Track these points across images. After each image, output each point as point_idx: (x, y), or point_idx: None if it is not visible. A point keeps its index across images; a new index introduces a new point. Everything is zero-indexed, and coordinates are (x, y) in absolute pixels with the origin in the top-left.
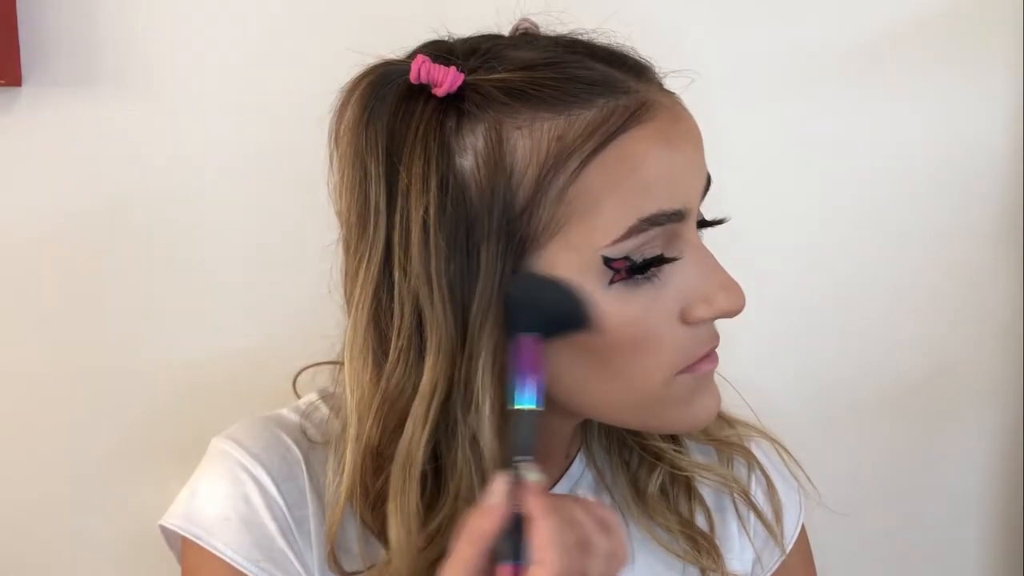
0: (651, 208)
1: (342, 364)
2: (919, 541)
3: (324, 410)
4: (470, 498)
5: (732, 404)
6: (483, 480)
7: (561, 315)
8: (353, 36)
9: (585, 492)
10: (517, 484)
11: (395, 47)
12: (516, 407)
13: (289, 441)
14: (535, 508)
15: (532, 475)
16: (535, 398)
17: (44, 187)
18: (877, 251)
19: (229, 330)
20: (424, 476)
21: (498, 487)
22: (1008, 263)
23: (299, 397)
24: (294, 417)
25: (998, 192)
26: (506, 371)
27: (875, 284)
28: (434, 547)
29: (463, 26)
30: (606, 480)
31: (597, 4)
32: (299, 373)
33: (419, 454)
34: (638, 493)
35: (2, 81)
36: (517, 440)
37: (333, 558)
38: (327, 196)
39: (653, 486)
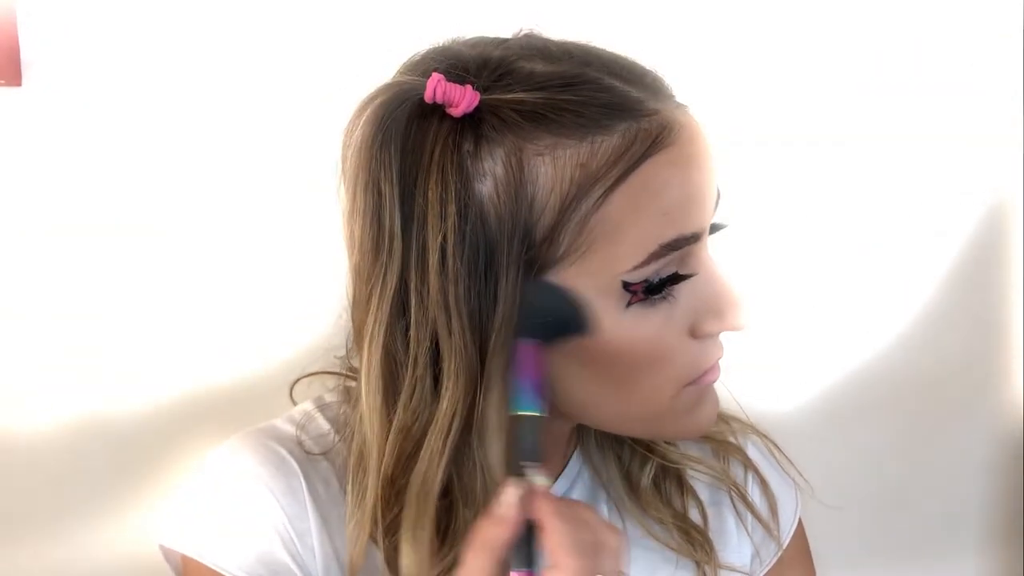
0: (671, 234)
1: (340, 374)
2: (920, 537)
3: (320, 421)
4: None
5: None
6: None
7: (559, 320)
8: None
9: (582, 489)
10: (527, 491)
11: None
12: (518, 413)
13: (285, 453)
14: (545, 513)
15: (539, 480)
16: (536, 404)
17: (43, 187)
18: (876, 251)
19: (227, 340)
20: (439, 507)
21: (509, 495)
22: (1008, 263)
23: (295, 404)
24: (289, 428)
25: (998, 193)
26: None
27: (875, 283)
28: None
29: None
30: (602, 477)
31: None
32: (295, 383)
33: (435, 486)
34: (631, 487)
35: (2, 81)
36: (522, 446)
37: None
38: (323, 206)
39: (646, 479)
